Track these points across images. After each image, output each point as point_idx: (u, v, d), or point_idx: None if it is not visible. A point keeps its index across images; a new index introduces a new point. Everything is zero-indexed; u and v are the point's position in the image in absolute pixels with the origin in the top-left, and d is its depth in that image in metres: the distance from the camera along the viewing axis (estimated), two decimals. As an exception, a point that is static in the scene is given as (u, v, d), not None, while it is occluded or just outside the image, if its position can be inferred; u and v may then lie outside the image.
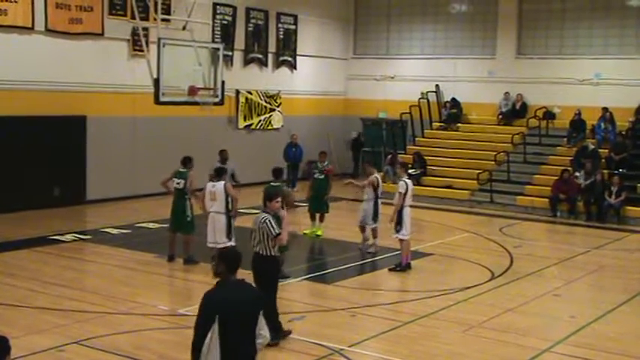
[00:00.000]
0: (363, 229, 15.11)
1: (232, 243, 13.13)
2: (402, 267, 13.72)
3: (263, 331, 5.88)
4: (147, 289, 12.27)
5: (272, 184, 13.72)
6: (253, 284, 8.29)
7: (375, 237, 15.12)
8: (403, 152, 24.87)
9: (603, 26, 24.32)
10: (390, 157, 23.98)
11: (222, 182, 13.14)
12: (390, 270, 13.78)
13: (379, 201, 15.04)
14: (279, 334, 9.37)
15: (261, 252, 9.29)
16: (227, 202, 13.06)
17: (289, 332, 9.73)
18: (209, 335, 5.65)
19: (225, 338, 5.66)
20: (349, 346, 9.56)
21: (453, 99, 26.07)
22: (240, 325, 5.73)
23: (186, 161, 14.00)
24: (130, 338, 9.69)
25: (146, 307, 11.05)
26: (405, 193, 13.51)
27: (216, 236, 13.08)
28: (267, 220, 9.27)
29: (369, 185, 14.97)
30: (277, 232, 9.28)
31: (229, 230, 13.12)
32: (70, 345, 9.18)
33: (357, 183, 16.19)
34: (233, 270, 5.91)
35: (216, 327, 5.64)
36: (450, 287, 12.69)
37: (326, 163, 17.13)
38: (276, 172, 14.40)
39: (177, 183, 13.82)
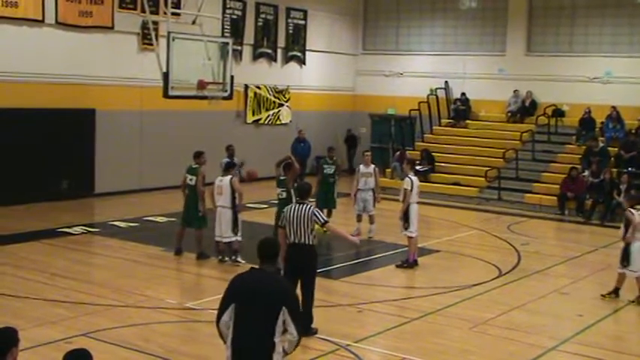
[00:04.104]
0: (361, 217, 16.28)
1: (239, 238, 13.26)
2: (408, 264, 13.73)
3: (290, 329, 5.69)
4: (155, 282, 12.28)
5: (281, 178, 13.91)
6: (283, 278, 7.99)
7: (372, 223, 16.26)
8: (411, 149, 24.84)
9: (613, 24, 24.21)
10: (398, 153, 23.96)
11: (229, 177, 13.29)
12: (397, 266, 13.78)
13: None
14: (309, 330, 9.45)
15: (306, 242, 9.36)
16: (233, 197, 13.17)
17: (315, 331, 9.69)
18: (228, 315, 5.77)
19: (238, 323, 5.74)
20: (355, 342, 9.57)
21: (462, 95, 26.03)
22: (254, 314, 5.68)
23: (195, 156, 14.00)
24: (137, 331, 9.72)
25: (154, 301, 11.08)
26: (411, 190, 13.55)
27: (222, 230, 13.23)
28: (315, 210, 9.43)
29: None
30: (326, 219, 9.49)
31: (235, 225, 13.24)
32: (78, 337, 9.19)
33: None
34: (264, 258, 5.95)
35: (232, 309, 5.77)
36: (457, 284, 12.68)
37: (335, 158, 17.16)
38: (286, 168, 14.47)
39: (190, 179, 13.85)
